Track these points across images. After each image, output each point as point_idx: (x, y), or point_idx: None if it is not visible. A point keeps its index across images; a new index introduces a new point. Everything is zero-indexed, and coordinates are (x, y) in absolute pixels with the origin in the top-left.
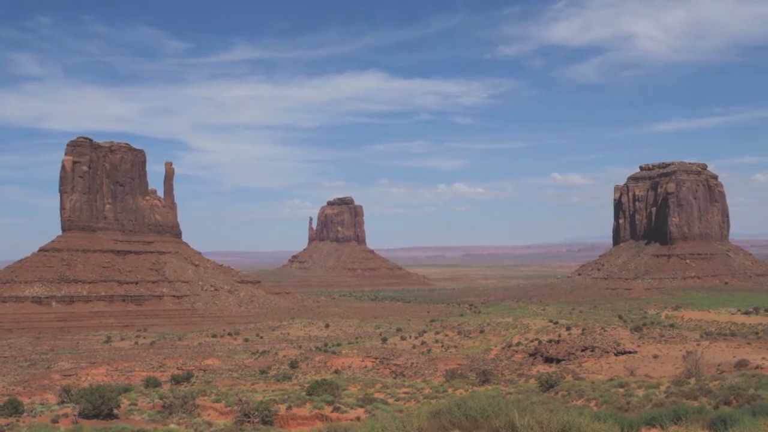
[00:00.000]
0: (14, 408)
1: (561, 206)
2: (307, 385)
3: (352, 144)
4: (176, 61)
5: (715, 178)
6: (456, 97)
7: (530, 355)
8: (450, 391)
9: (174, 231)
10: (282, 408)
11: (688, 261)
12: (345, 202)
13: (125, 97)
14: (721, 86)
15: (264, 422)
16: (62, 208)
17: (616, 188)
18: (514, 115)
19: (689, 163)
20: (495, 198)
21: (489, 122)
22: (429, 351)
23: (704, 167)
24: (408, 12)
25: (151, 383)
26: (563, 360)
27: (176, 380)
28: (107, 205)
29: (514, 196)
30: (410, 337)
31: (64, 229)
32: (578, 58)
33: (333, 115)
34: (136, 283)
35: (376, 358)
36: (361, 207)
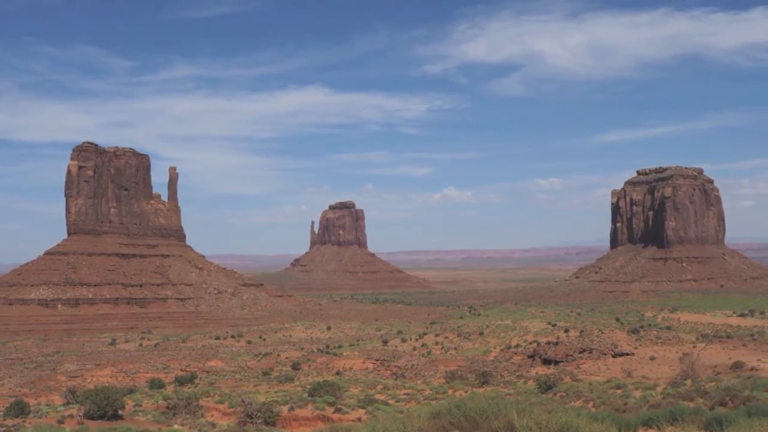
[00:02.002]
0: (21, 409)
1: (541, 210)
2: (309, 387)
3: (316, 153)
4: (124, 79)
5: (711, 182)
6: (396, 111)
7: (529, 356)
8: (450, 392)
9: (178, 234)
10: (284, 409)
11: (684, 264)
12: (346, 206)
13: (82, 110)
14: (646, 99)
15: (267, 423)
16: (68, 212)
17: (614, 192)
18: (463, 126)
19: (685, 168)
20: (482, 203)
21: (440, 132)
22: (429, 353)
23: (700, 172)
24: (334, 34)
25: (156, 385)
26: (561, 362)
27: (180, 382)
28: (112, 209)
29: (498, 201)
30: (411, 339)
31: (69, 233)
32: (499, 73)
33: (287, 127)
34: (141, 285)
35: (377, 360)
36: (362, 211)
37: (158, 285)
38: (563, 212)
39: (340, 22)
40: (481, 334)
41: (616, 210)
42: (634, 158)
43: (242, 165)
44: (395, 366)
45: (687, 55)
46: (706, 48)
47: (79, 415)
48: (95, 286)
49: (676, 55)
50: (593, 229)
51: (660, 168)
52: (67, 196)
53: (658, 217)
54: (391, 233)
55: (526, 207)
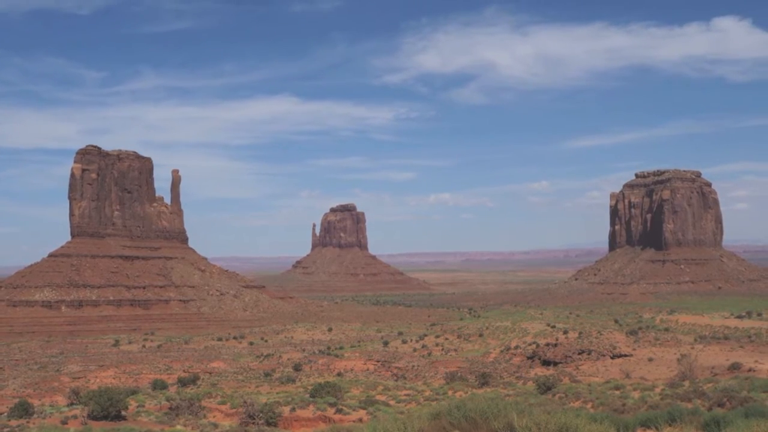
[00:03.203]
0: (25, 410)
1: (536, 213)
2: (310, 388)
3: (295, 158)
4: (95, 89)
5: (709, 185)
6: (364, 119)
7: (528, 358)
8: (450, 393)
9: (180, 237)
10: (286, 410)
11: (682, 266)
12: (347, 209)
13: (60, 118)
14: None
15: (268, 423)
16: (71, 214)
17: (612, 195)
18: (435, 133)
19: (683, 171)
20: (473, 206)
21: (414, 139)
22: (429, 354)
23: (698, 174)
24: (294, 47)
25: (158, 385)
26: (560, 363)
27: (183, 383)
28: (115, 212)
29: (492, 204)
30: (411, 340)
31: (73, 235)
32: (457, 83)
33: (263, 133)
34: (144, 287)
35: (378, 361)
36: (363, 213)
37: (161, 287)
38: (556, 215)
39: (299, 35)
40: (480, 335)
41: (614, 212)
42: (610, 163)
43: (224, 170)
44: (396, 367)
45: (635, 66)
46: (651, 59)
47: (83, 416)
48: (99, 287)
49: (625, 66)
50: (581, 232)
51: (658, 171)
52: (71, 198)
53: (656, 219)
54: (389, 236)
55: (520, 210)
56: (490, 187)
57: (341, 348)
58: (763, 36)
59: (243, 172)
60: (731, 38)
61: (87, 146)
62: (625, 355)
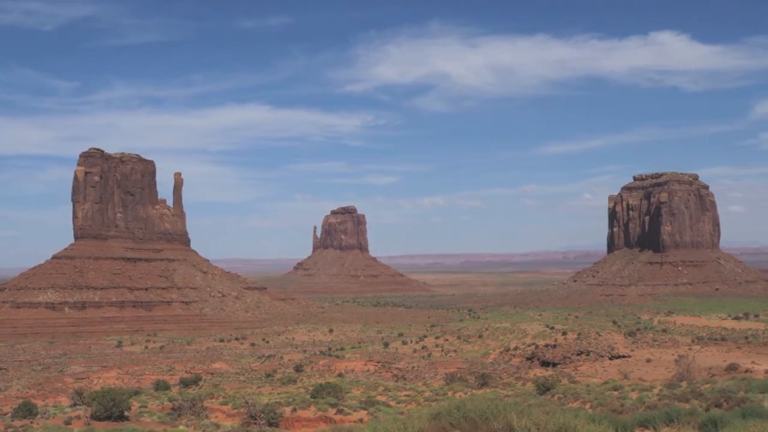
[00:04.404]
0: (29, 410)
1: (530, 215)
2: (311, 388)
3: (275, 164)
4: (69, 99)
5: (707, 188)
6: (334, 126)
7: (527, 359)
8: (450, 394)
9: (183, 239)
10: (287, 410)
11: (680, 268)
12: (348, 212)
13: (39, 126)
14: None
15: (270, 424)
16: (74, 217)
17: (611, 198)
18: (407, 140)
19: (681, 174)
20: (461, 208)
21: (387, 145)
22: (429, 355)
23: (696, 177)
24: (257, 59)
25: (161, 386)
26: (559, 364)
27: (185, 383)
28: (118, 214)
29: (484, 207)
30: (411, 341)
31: (76, 238)
32: (417, 93)
33: (240, 140)
34: (146, 289)
35: (379, 362)
36: (363, 216)
37: (163, 288)
38: (551, 217)
39: (260, 48)
40: (480, 336)
41: (612, 215)
42: (591, 168)
43: (209, 174)
44: (396, 368)
45: (588, 76)
46: (599, 71)
47: (86, 416)
48: (102, 289)
49: (581, 76)
50: (574, 235)
51: (656, 173)
52: (74, 201)
53: (654, 221)
54: (387, 237)
55: (515, 212)
56: (478, 191)
57: (342, 349)
58: (704, 49)
59: (228, 176)
60: (672, 51)
61: (90, 149)
62: (624, 356)
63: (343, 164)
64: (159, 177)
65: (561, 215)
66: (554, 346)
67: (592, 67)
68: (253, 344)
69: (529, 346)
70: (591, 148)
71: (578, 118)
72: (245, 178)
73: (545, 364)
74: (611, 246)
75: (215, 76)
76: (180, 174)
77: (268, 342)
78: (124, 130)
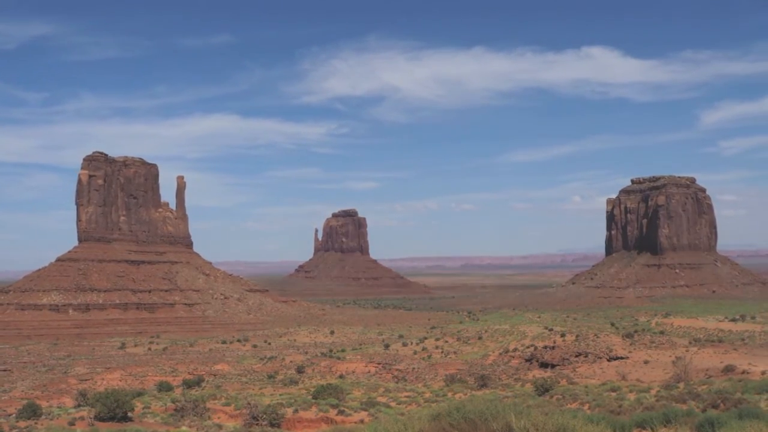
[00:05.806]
0: (33, 411)
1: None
2: (312, 389)
3: (254, 170)
4: (39, 108)
5: (704, 191)
6: (298, 134)
7: (526, 360)
8: (449, 395)
9: (185, 242)
10: (289, 411)
11: (677, 270)
12: (349, 214)
13: (15, 134)
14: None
15: (271, 425)
16: (78, 219)
17: (609, 201)
18: (376, 147)
19: (678, 177)
20: (460, 212)
21: (356, 152)
22: (429, 357)
23: (693, 181)
24: (215, 73)
25: (164, 387)
26: (558, 365)
27: (188, 385)
28: (122, 217)
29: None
30: (411, 343)
31: (80, 240)
32: (371, 104)
33: (215, 147)
34: (150, 291)
35: (379, 364)
36: (364, 219)
37: (166, 291)
38: (544, 221)
39: (216, 63)
40: (479, 338)
41: (611, 218)
42: (565, 174)
43: (194, 180)
44: (396, 369)
45: (534, 87)
46: (542, 83)
47: (90, 417)
48: (105, 291)
49: (526, 87)
50: (570, 238)
51: (654, 177)
52: (78, 204)
53: (651, 224)
54: (385, 240)
55: (507, 215)
56: (465, 195)
57: (343, 350)
58: (639, 63)
59: (212, 182)
60: (607, 66)
61: (94, 152)
62: (622, 358)
63: (318, 171)
64: (160, 181)
65: (555, 218)
66: (553, 347)
67: (535, 79)
68: (255, 346)
69: (528, 347)
70: (560, 155)
71: (546, 126)
72: (227, 184)
73: (544, 365)
74: (609, 249)
75: (178, 89)
76: (183, 177)
77: (269, 344)
78: (98, 138)
